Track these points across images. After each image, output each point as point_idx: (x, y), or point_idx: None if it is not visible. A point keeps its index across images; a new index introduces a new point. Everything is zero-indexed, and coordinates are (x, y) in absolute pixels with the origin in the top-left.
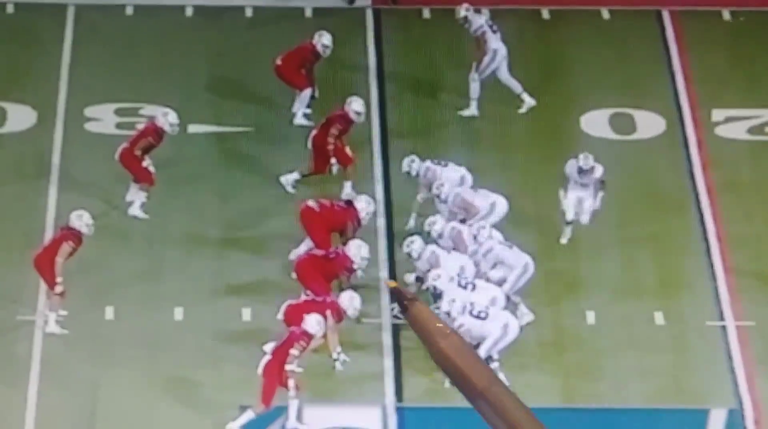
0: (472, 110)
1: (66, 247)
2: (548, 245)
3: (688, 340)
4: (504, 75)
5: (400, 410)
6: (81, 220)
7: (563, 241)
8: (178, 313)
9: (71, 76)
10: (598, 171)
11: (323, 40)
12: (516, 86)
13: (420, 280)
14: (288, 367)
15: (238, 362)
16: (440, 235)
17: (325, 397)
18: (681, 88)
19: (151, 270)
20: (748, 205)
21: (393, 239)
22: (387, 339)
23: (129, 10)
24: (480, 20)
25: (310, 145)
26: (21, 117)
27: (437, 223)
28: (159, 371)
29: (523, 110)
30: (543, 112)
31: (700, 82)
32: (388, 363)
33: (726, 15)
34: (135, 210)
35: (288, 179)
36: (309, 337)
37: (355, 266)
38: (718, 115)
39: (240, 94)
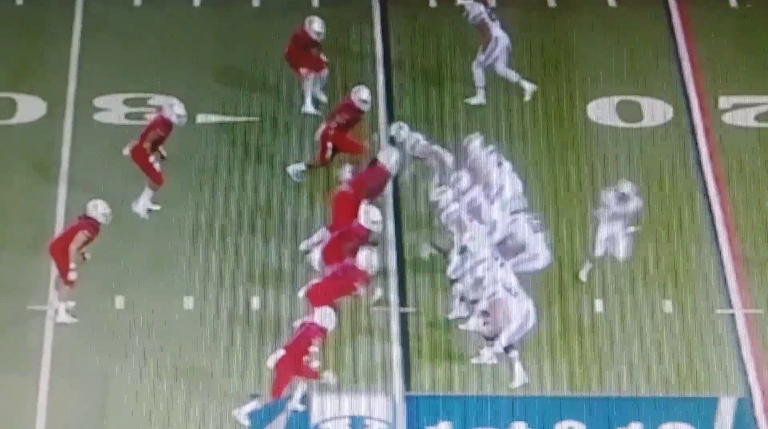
0: (479, 98)
1: (81, 235)
2: (558, 231)
3: (697, 328)
4: (501, 67)
5: (409, 399)
6: (97, 210)
7: (582, 277)
8: (188, 302)
9: (80, 67)
10: (636, 202)
11: (314, 26)
12: (513, 76)
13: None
14: (312, 365)
15: (248, 351)
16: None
17: (334, 386)
18: (688, 76)
19: (161, 259)
20: (756, 192)
21: (401, 226)
22: (395, 327)
23: (137, 1)
24: (478, 8)
25: (317, 137)
26: (31, 108)
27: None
28: (168, 360)
29: (527, 98)
30: (549, 100)
31: (707, 69)
32: (397, 352)
33: (733, 2)
34: (139, 207)
35: (294, 169)
36: (323, 331)
37: (372, 230)
38: (725, 102)
39: (248, 83)
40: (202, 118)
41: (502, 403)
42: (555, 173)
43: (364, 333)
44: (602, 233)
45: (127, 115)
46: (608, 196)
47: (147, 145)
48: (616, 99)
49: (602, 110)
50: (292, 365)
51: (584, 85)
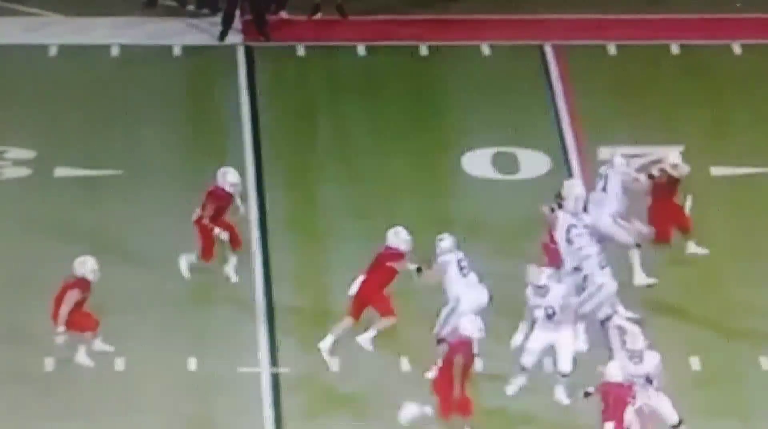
0: None
1: (72, 294)
2: None
3: None
4: None
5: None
6: (86, 267)
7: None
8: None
9: None
10: None
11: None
12: None
13: None
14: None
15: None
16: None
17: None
18: (566, 126)
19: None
20: None
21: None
22: (267, 390)
23: None
24: None
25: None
26: None
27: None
28: None
29: None
30: (422, 151)
31: (585, 119)
32: (269, 413)
33: (611, 49)
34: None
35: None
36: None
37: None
38: (605, 152)
39: (109, 136)
40: (60, 171)
41: None
42: (427, 227)
43: (235, 396)
44: None
45: None
46: None
47: (206, 217)
48: (492, 150)
49: (477, 162)
50: (448, 380)
51: (458, 136)
